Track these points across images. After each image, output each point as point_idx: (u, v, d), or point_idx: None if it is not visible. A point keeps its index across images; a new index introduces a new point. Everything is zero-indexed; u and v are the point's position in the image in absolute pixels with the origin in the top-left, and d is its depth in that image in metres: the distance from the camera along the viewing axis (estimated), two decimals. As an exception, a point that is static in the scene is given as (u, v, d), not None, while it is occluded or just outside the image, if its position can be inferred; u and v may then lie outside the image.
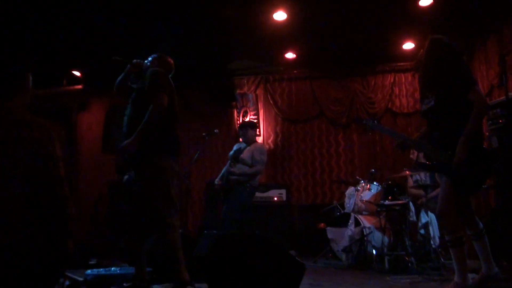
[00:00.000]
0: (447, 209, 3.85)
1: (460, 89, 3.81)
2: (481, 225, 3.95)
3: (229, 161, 6.59)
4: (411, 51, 8.44)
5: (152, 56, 4.53)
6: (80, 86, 9.33)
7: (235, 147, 6.82)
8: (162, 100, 4.07)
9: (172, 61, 4.63)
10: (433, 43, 4.11)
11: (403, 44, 8.26)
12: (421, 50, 4.23)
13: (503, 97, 5.88)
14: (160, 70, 4.27)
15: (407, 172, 6.78)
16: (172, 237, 3.97)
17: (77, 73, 9.05)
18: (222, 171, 6.65)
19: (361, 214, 6.82)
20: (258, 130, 9.28)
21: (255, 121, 9.33)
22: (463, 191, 3.87)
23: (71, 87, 9.34)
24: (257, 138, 8.94)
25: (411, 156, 7.28)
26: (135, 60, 4.38)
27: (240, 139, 6.87)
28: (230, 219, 6.15)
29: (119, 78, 4.44)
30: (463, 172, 3.69)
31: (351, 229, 6.57)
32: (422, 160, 7.02)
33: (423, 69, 4.17)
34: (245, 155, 6.44)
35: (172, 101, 4.23)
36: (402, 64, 9.13)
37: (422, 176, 6.90)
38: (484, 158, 3.80)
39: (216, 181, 6.55)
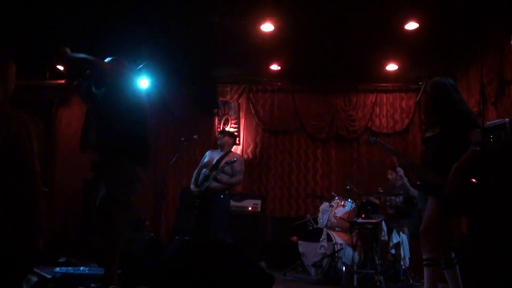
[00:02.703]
0: (431, 228, 3.99)
1: (461, 127, 4.01)
2: (452, 254, 4.06)
3: (205, 169, 6.58)
4: (394, 72, 8.57)
5: (110, 58, 4.47)
6: (62, 81, 9.25)
7: (207, 155, 6.83)
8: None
9: (127, 64, 4.57)
10: (435, 87, 4.28)
11: (387, 65, 8.37)
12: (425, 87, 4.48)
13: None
14: (123, 72, 4.28)
15: (381, 191, 6.87)
16: (115, 246, 3.93)
17: (60, 68, 8.98)
18: (198, 178, 6.63)
19: (334, 230, 6.85)
20: (238, 139, 9.31)
21: (236, 129, 9.36)
22: (447, 213, 4.01)
23: (53, 81, 9.25)
24: (236, 147, 8.98)
25: (389, 176, 7.38)
26: (88, 71, 4.35)
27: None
28: (218, 227, 6.17)
29: (82, 90, 4.42)
30: (454, 195, 3.84)
31: (323, 244, 6.60)
32: (400, 182, 7.17)
33: (427, 106, 4.48)
34: (223, 164, 6.46)
35: (139, 105, 4.23)
36: (384, 84, 9.24)
37: (395, 198, 7.02)
38: (471, 186, 3.93)
39: (192, 187, 6.54)
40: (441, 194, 3.92)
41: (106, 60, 4.45)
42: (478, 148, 3.94)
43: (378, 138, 4.98)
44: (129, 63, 4.58)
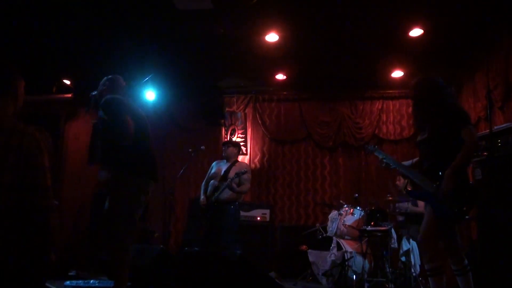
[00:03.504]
0: (428, 237, 3.94)
1: (453, 126, 3.94)
2: (466, 261, 4.01)
3: (213, 181, 6.61)
4: (400, 79, 8.56)
5: (105, 78, 4.45)
6: (69, 95, 9.30)
7: (214, 165, 6.86)
8: (127, 127, 4.01)
9: (124, 82, 4.51)
10: (423, 83, 4.23)
11: (392, 72, 8.36)
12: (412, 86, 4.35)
13: (488, 131, 5.95)
14: (113, 97, 4.15)
15: (390, 198, 6.85)
16: (123, 260, 3.95)
17: (67, 82, 9.04)
18: (207, 189, 6.66)
19: (343, 238, 6.84)
20: (245, 149, 9.32)
21: (243, 139, 9.38)
22: (445, 221, 3.94)
23: (61, 96, 9.31)
24: (243, 157, 8.99)
25: (397, 182, 7.36)
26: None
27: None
28: (228, 238, 6.20)
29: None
30: (448, 202, 3.79)
31: (333, 253, 6.58)
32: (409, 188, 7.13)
33: (416, 105, 4.30)
34: (232, 174, 6.49)
35: (139, 120, 4.20)
36: (390, 91, 9.23)
37: (405, 204, 6.98)
38: (468, 191, 3.88)
39: (203, 199, 6.57)
40: (435, 201, 3.89)
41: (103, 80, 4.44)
42: (471, 147, 3.89)
43: (377, 147, 4.86)
44: (126, 80, 4.56)
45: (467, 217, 4.37)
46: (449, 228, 4.04)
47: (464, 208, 3.89)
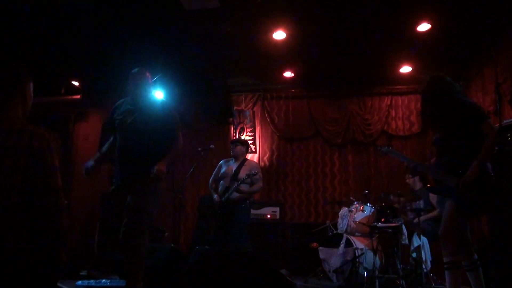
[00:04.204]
0: (449, 231, 3.98)
1: (470, 121, 3.98)
2: (475, 256, 4.03)
3: (223, 180, 6.63)
4: (408, 74, 8.53)
5: (138, 69, 4.55)
6: (78, 96, 9.35)
7: (223, 165, 6.87)
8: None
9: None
10: (435, 82, 4.26)
11: (401, 67, 8.33)
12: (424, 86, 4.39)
13: (497, 125, 5.92)
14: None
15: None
16: (140, 258, 3.97)
17: (75, 83, 9.08)
18: (216, 188, 6.69)
19: (354, 235, 6.82)
20: (254, 147, 9.32)
21: (252, 137, 9.38)
22: (465, 213, 3.98)
23: (69, 97, 9.36)
24: (252, 155, 8.99)
25: (407, 181, 7.34)
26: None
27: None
28: (238, 236, 6.21)
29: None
30: (470, 195, 3.84)
31: (343, 250, 6.57)
32: (418, 186, 7.15)
33: (429, 104, 4.32)
34: (242, 174, 6.50)
35: None
36: (399, 87, 9.20)
37: (415, 203, 6.99)
38: (489, 184, 3.90)
39: (216, 197, 6.59)
40: (457, 195, 3.91)
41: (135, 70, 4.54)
42: (493, 141, 3.93)
43: (390, 147, 4.87)
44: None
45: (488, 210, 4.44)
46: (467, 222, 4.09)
47: (484, 201, 3.92)
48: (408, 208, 7.07)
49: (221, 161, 7.02)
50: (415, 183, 7.29)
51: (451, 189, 3.97)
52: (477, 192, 3.83)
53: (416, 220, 6.49)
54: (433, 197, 6.65)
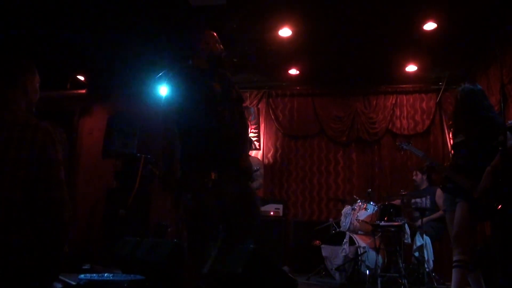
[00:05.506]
0: (462, 232, 4.04)
1: (491, 132, 4.07)
2: (476, 256, 4.07)
3: None
4: (414, 73, 8.51)
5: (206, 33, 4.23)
6: (83, 91, 9.37)
7: None
8: None
9: None
10: (464, 93, 4.36)
11: (406, 66, 8.32)
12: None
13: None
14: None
15: (404, 193, 6.83)
16: None
17: (81, 78, 9.10)
18: None
19: (356, 233, 6.83)
20: (258, 144, 9.33)
21: (256, 134, 9.38)
22: (477, 218, 4.09)
23: (75, 91, 9.38)
24: (256, 152, 9.00)
25: (414, 177, 7.35)
26: None
27: None
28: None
29: None
30: (484, 200, 3.91)
31: (346, 248, 6.57)
32: (424, 185, 7.18)
33: (457, 112, 4.48)
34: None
35: None
36: (404, 86, 9.19)
37: (422, 199, 6.98)
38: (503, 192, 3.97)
39: None
40: (471, 199, 3.98)
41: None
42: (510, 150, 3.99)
43: (411, 143, 5.09)
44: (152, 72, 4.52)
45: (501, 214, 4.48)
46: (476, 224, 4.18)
47: (500, 206, 3.96)
48: (414, 206, 7.08)
49: None
50: (422, 181, 7.32)
51: (465, 191, 4.06)
52: (491, 197, 3.89)
53: (419, 222, 6.50)
54: (439, 197, 6.65)
